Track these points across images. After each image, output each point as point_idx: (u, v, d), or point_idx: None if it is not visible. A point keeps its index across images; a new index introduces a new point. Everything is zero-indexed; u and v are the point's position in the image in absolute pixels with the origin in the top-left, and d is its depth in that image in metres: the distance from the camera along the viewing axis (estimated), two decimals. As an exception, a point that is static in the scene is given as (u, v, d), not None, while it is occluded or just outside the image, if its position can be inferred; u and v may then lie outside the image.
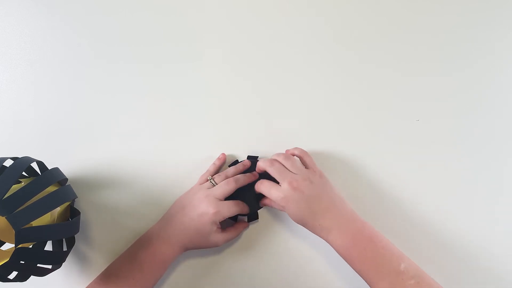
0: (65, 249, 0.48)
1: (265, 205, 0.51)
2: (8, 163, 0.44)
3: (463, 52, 0.53)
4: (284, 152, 0.51)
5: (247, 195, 0.50)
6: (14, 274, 0.42)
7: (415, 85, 0.53)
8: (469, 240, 0.51)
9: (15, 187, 0.44)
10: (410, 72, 0.53)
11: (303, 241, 0.52)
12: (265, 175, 0.48)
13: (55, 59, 0.54)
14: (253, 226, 0.53)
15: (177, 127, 0.54)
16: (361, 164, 0.52)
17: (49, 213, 0.46)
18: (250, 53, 0.54)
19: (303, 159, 0.49)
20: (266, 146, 0.52)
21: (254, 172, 0.50)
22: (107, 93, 0.54)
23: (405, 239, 0.50)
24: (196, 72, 0.54)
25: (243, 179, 0.49)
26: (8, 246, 0.49)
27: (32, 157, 0.46)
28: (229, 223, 0.52)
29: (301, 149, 0.50)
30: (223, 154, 0.52)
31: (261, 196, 0.50)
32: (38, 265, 0.42)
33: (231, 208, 0.47)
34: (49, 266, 0.44)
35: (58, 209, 0.48)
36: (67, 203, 0.49)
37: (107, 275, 0.47)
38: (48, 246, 0.51)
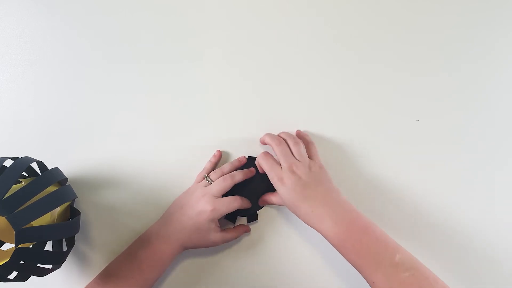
0: (65, 249, 0.48)
1: (264, 203, 0.51)
2: (8, 163, 0.44)
3: (463, 52, 0.53)
4: (296, 130, 0.52)
5: (245, 193, 0.50)
6: (14, 274, 0.42)
7: (415, 84, 0.53)
8: (469, 240, 0.51)
9: (15, 187, 0.44)
10: (410, 72, 0.53)
11: (302, 241, 0.52)
12: (263, 174, 0.48)
13: (55, 59, 0.54)
14: (252, 226, 0.53)
15: (177, 127, 0.54)
16: (361, 164, 0.52)
17: (49, 213, 0.46)
18: (250, 53, 0.54)
19: (309, 148, 0.50)
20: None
21: (251, 168, 0.50)
22: (107, 93, 0.54)
23: (405, 238, 0.50)
24: (196, 72, 0.54)
25: (240, 175, 0.48)
26: (8, 246, 0.49)
27: (32, 157, 0.46)
28: (229, 225, 0.52)
29: (311, 138, 0.51)
30: (219, 151, 0.52)
31: (260, 194, 0.50)
32: (38, 265, 0.42)
33: (229, 205, 0.47)
34: (49, 266, 0.44)
35: (58, 209, 0.48)
36: (67, 203, 0.49)
37: (106, 274, 0.47)
38: (48, 246, 0.51)
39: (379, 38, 0.53)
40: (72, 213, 0.50)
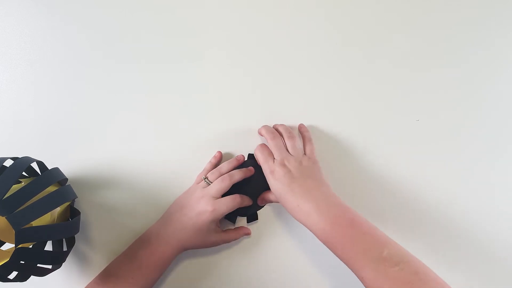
0: (65, 249, 0.48)
1: (263, 201, 0.51)
2: (8, 163, 0.44)
3: (464, 52, 0.53)
4: (298, 124, 0.52)
5: (245, 192, 0.50)
6: (14, 274, 0.42)
7: (415, 84, 0.53)
8: (468, 238, 0.51)
9: (15, 187, 0.44)
10: (410, 72, 0.53)
11: (302, 242, 0.52)
12: (260, 170, 0.48)
13: (55, 59, 0.54)
14: (252, 226, 0.53)
15: (177, 127, 0.53)
16: (361, 163, 0.52)
17: (49, 213, 0.46)
18: (250, 53, 0.54)
19: (305, 145, 0.50)
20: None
21: (250, 167, 0.50)
22: (107, 93, 0.54)
23: (404, 237, 0.50)
24: (196, 71, 0.54)
25: (239, 175, 0.48)
26: (8, 246, 0.49)
27: (32, 157, 0.46)
28: (229, 225, 0.52)
29: (310, 135, 0.51)
30: (219, 152, 0.52)
31: (260, 193, 0.50)
32: (38, 265, 0.42)
33: (228, 204, 0.47)
34: (49, 266, 0.44)
35: (58, 209, 0.48)
36: (67, 203, 0.49)
37: (106, 274, 0.47)
38: (48, 246, 0.51)
39: (380, 37, 0.53)
40: (72, 213, 0.50)
